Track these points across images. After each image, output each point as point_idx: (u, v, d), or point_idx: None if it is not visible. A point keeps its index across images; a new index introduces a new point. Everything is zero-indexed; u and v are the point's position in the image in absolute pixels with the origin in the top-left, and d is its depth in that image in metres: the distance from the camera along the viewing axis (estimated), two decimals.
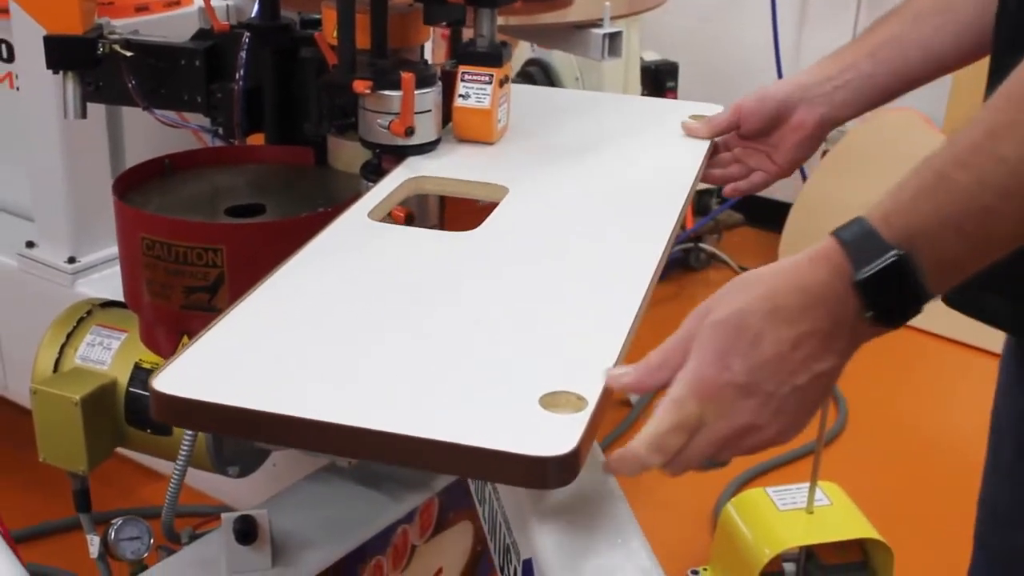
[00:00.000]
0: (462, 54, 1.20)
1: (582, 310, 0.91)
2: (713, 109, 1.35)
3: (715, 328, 0.77)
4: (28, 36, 1.83)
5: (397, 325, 0.87)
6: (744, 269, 3.44)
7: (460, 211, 1.20)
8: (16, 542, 1.28)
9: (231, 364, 0.82)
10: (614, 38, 1.89)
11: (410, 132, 1.13)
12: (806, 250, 0.78)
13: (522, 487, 0.76)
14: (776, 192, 3.60)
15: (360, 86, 1.12)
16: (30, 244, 1.99)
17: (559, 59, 3.00)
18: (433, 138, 1.17)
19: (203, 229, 1.11)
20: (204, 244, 1.09)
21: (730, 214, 3.38)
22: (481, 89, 1.19)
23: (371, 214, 1.05)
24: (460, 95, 1.19)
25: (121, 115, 2.00)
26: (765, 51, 3.44)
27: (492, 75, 1.19)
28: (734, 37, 3.62)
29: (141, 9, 1.95)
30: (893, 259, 0.74)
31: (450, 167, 1.17)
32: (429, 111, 1.15)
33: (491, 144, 1.21)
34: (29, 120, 1.93)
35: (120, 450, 1.69)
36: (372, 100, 1.14)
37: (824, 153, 3.24)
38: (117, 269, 1.91)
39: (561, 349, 0.85)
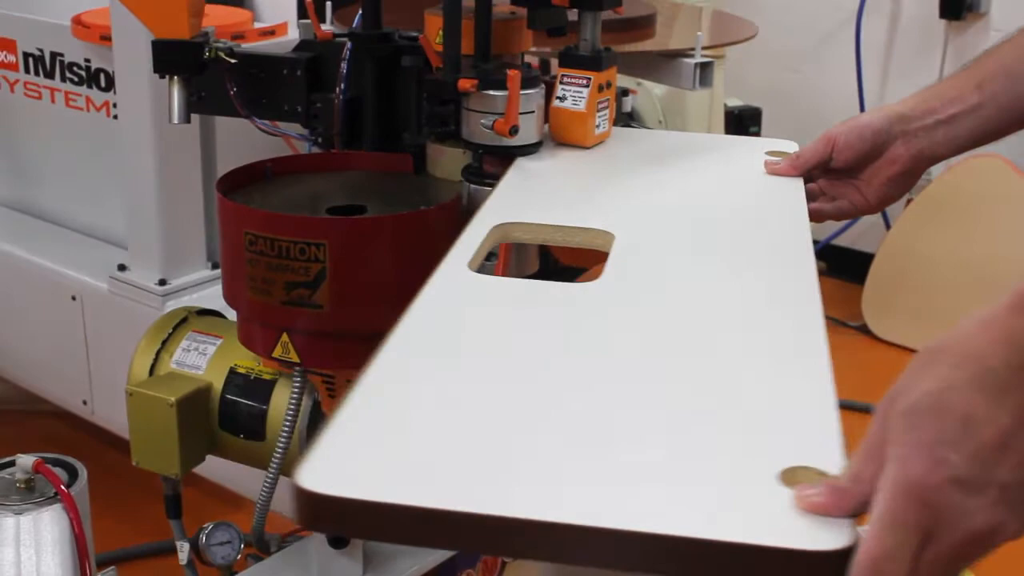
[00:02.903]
0: (563, 57, 1.20)
1: (768, 370, 0.77)
2: (790, 145, 1.27)
3: (910, 417, 0.62)
4: (129, 63, 1.87)
5: (565, 395, 0.72)
6: (826, 318, 3.41)
7: None
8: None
9: (389, 452, 0.65)
10: (705, 68, 1.87)
11: (514, 131, 1.13)
12: (998, 302, 0.63)
13: None
14: (859, 242, 3.59)
15: (466, 83, 1.12)
16: (122, 267, 2.01)
17: (642, 103, 3.00)
18: (535, 140, 1.17)
19: (307, 224, 1.11)
20: (308, 239, 1.10)
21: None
22: (578, 92, 1.19)
23: (470, 265, 0.94)
24: (557, 97, 1.20)
25: (214, 142, 2.03)
26: (849, 99, 3.42)
27: (590, 78, 1.19)
28: (818, 85, 3.61)
29: (237, 37, 1.99)
30: None
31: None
32: (532, 112, 1.15)
33: (586, 148, 1.21)
34: (126, 146, 1.97)
35: (203, 475, 1.70)
36: (476, 100, 1.14)
37: (908, 202, 3.21)
38: (206, 292, 1.97)
39: (771, 417, 0.70)
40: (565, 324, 0.83)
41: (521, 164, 1.16)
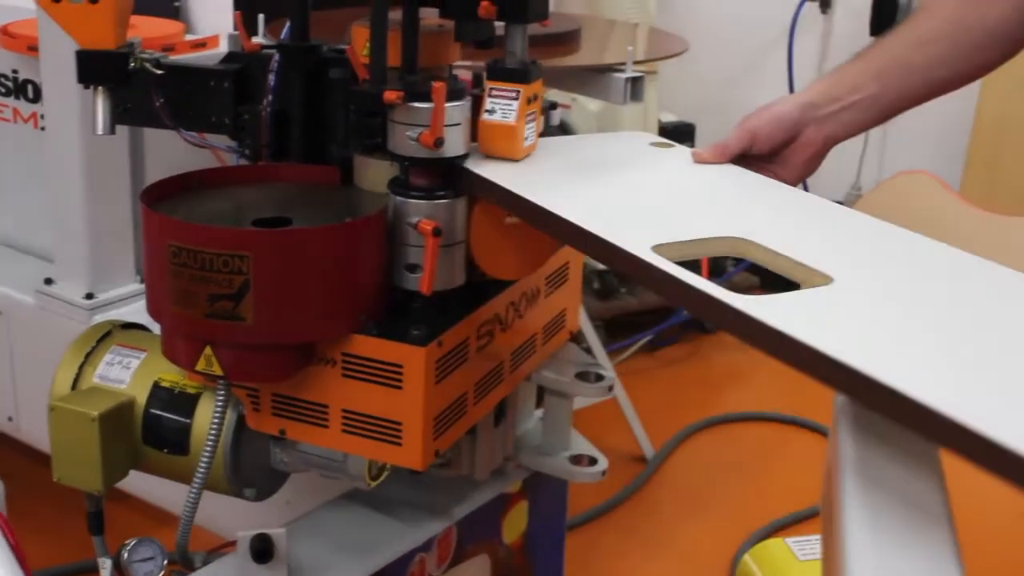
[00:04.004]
0: (491, 70, 1.20)
1: None
2: (657, 138, 1.40)
3: None
4: (56, 74, 1.85)
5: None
6: None
7: (489, 225, 1.20)
8: None
9: None
10: (636, 83, 1.89)
11: (439, 143, 1.12)
12: None
13: None
14: None
15: (391, 95, 1.12)
16: (48, 281, 1.99)
17: (577, 117, 3.02)
18: (462, 152, 1.17)
19: (230, 236, 1.10)
20: (231, 251, 1.09)
21: (746, 276, 3.36)
22: (507, 105, 1.19)
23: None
24: (487, 110, 1.19)
25: (143, 154, 2.01)
26: None
27: (519, 91, 1.19)
28: (751, 101, 3.63)
29: (167, 49, 1.97)
30: None
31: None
32: (458, 124, 1.15)
33: (516, 161, 1.21)
34: (53, 158, 1.94)
35: (129, 491, 1.68)
36: (402, 112, 1.14)
37: None
38: (135, 306, 1.95)
39: None
40: (929, 315, 0.89)
41: (506, 175, 1.16)
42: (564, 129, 3.00)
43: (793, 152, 1.26)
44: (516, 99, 1.19)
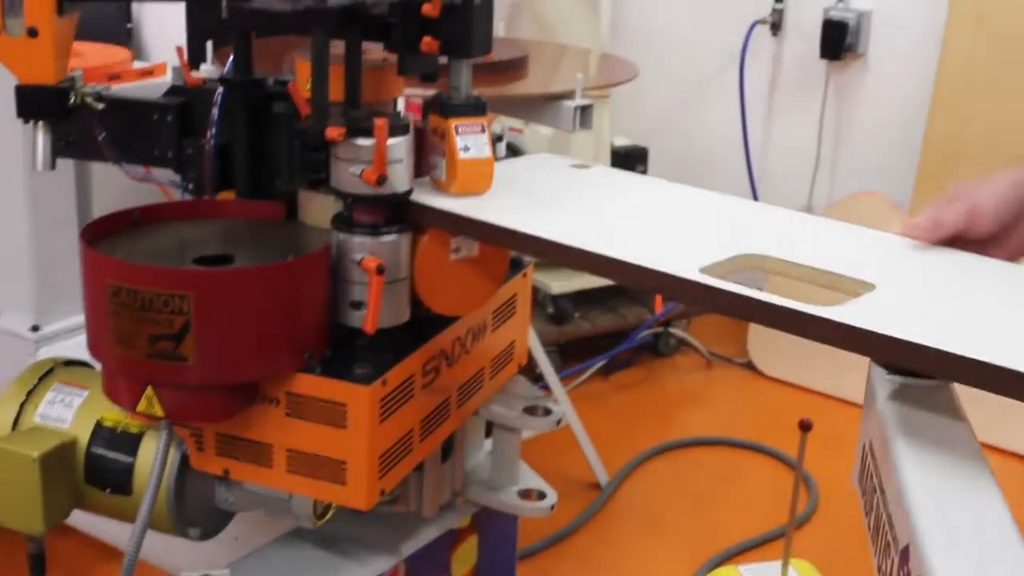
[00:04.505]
0: (449, 107, 1.19)
1: None
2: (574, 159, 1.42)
3: None
4: None
5: None
6: (713, 355, 3.46)
7: (434, 262, 1.19)
8: None
9: None
10: (585, 110, 1.90)
11: (382, 180, 1.12)
12: None
13: None
14: None
15: (333, 132, 1.11)
16: None
17: (529, 141, 3.02)
18: (406, 188, 1.16)
19: (170, 275, 1.09)
20: (171, 290, 1.07)
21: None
22: (479, 138, 1.18)
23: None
24: (461, 148, 1.18)
25: (90, 187, 2.00)
26: (733, 139, 3.48)
27: (484, 124, 1.18)
28: (703, 126, 3.66)
29: (114, 78, 1.96)
30: None
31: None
32: (402, 160, 1.14)
33: (482, 194, 1.20)
34: None
35: (75, 526, 1.65)
36: (344, 148, 1.13)
37: None
38: (81, 339, 1.92)
39: None
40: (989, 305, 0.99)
41: (480, 211, 1.16)
42: (515, 152, 3.01)
43: (1011, 233, 1.12)
44: (484, 132, 1.18)
